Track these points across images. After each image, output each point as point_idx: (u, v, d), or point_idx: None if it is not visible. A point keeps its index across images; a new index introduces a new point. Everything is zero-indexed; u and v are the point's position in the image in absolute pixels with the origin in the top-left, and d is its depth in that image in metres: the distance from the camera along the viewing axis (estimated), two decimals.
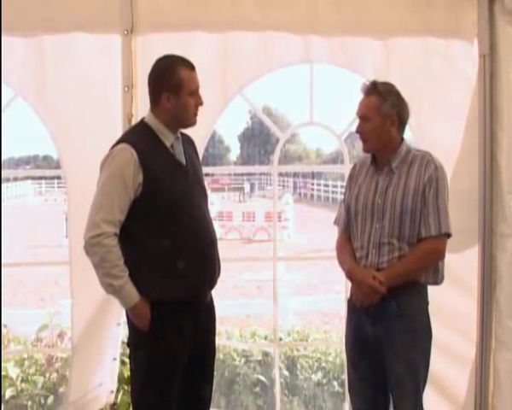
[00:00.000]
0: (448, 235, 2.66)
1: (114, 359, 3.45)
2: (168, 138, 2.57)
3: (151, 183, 2.46)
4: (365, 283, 2.61)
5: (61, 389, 3.86)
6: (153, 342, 2.49)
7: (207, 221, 2.62)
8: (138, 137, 2.55)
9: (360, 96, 2.73)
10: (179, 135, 2.62)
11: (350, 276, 2.73)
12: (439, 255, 2.67)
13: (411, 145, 2.80)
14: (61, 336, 4.18)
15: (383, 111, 2.65)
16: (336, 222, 2.89)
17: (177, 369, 2.53)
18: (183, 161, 2.60)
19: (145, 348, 2.51)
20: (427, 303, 2.73)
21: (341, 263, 2.79)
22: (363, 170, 2.80)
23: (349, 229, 2.80)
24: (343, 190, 2.99)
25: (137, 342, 2.55)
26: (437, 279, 2.70)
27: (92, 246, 2.43)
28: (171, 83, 2.51)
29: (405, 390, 2.66)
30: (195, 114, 2.58)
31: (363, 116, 2.69)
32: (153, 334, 2.48)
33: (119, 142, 2.53)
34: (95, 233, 2.41)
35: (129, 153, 2.45)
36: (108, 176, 2.47)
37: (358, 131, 2.72)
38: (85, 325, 3.34)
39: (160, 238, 2.47)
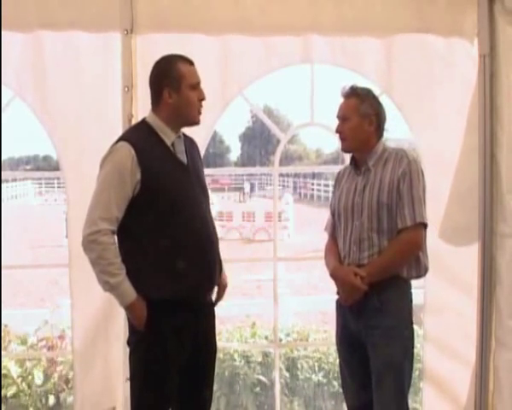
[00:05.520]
0: (424, 225, 2.68)
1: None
2: (169, 137, 2.56)
3: (149, 181, 2.45)
4: (347, 281, 2.67)
5: (63, 393, 3.86)
6: (150, 342, 2.49)
7: (208, 221, 2.61)
8: (137, 135, 2.55)
9: (341, 99, 2.81)
10: (181, 134, 2.62)
11: (333, 276, 2.78)
12: (417, 246, 2.69)
13: (390, 145, 2.82)
14: (61, 337, 4.17)
15: (361, 111, 2.73)
16: (326, 228, 2.96)
17: (173, 369, 2.52)
18: (184, 159, 2.59)
19: (142, 347, 2.52)
20: (411, 300, 2.74)
21: (326, 265, 2.85)
22: (346, 174, 2.88)
23: (335, 232, 2.86)
24: None
25: (135, 341, 2.55)
26: (420, 272, 2.73)
27: (89, 243, 2.43)
28: (171, 78, 2.51)
29: (384, 386, 2.65)
30: (199, 112, 2.57)
31: (343, 116, 2.78)
32: (150, 333, 2.48)
33: (118, 140, 2.54)
34: (92, 230, 2.42)
35: (127, 150, 2.45)
36: (106, 173, 2.48)
37: (338, 130, 2.80)
38: (86, 329, 3.31)
39: (159, 237, 2.47)
